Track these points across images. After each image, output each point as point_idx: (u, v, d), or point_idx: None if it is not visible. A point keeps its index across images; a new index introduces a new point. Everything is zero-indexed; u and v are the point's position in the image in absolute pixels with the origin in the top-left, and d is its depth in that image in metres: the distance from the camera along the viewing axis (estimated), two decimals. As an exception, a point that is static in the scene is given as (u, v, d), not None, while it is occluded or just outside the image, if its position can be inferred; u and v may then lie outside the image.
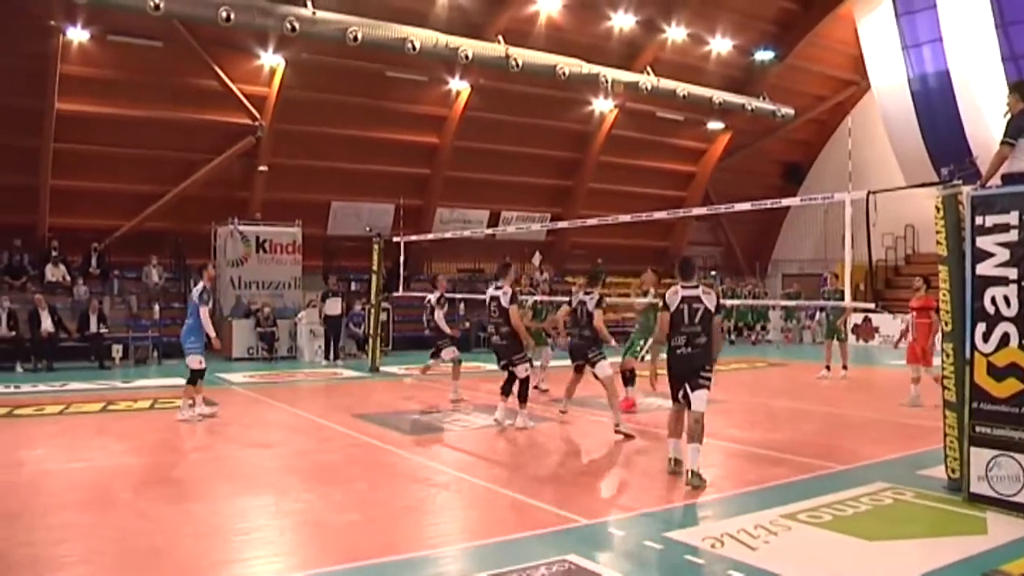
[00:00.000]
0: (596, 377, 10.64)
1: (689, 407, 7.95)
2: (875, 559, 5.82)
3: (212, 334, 11.53)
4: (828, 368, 16.63)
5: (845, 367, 16.68)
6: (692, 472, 7.75)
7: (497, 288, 11.15)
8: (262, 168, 22.92)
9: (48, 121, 19.74)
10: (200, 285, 11.65)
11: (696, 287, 8.15)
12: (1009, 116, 7.39)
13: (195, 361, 11.57)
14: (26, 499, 7.32)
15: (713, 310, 8.01)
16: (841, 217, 9.25)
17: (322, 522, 6.69)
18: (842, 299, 15.86)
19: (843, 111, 30.79)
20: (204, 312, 11.45)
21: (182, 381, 14.89)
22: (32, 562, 5.65)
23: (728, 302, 12.92)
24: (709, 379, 8.00)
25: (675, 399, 8.13)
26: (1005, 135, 7.28)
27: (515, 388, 10.89)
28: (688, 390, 7.95)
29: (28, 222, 20.86)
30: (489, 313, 11.26)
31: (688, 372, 7.98)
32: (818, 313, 25.20)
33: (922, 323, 12.88)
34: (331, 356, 20.42)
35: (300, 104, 22.45)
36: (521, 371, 10.81)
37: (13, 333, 17.98)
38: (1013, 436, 6.76)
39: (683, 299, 8.01)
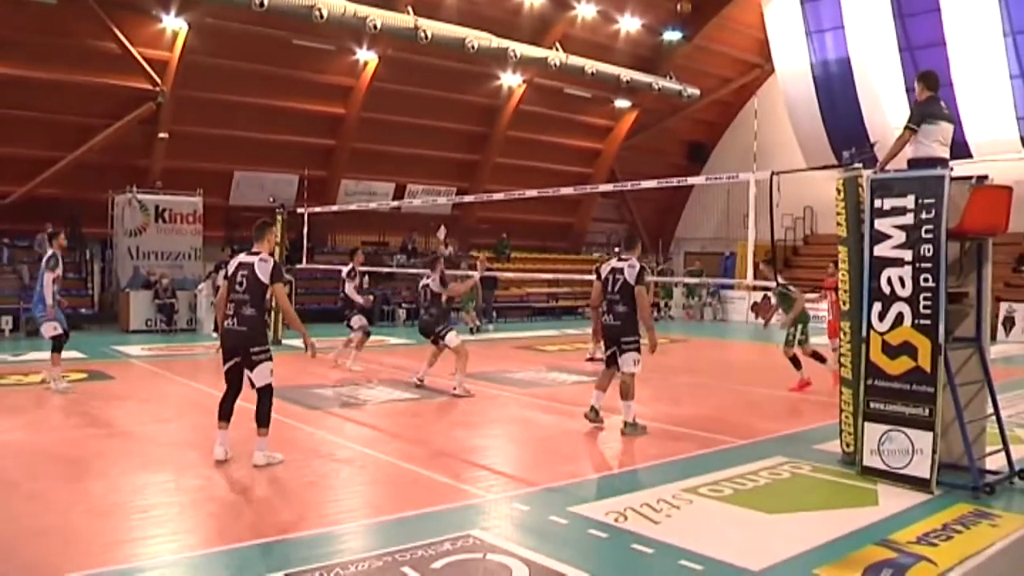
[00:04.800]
0: (448, 347, 11.62)
1: (619, 368, 8.90)
2: (774, 531, 5.92)
3: (48, 302, 10.97)
4: None
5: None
6: (625, 423, 8.92)
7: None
8: (162, 135, 22.10)
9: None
10: (49, 252, 11.10)
11: (626, 259, 8.91)
12: (915, 102, 7.62)
13: (50, 329, 11.03)
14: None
15: (632, 282, 8.78)
16: (744, 197, 9.32)
17: (222, 499, 6.53)
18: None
19: (748, 93, 31.25)
20: (48, 278, 10.89)
21: (77, 355, 14.47)
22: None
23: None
24: (633, 345, 8.91)
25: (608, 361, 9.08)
26: (908, 121, 7.43)
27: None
28: (617, 354, 8.91)
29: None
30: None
31: (614, 337, 8.97)
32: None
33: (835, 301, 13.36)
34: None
35: (203, 70, 21.65)
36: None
37: None
38: (904, 412, 6.97)
39: (611, 270, 8.91)
